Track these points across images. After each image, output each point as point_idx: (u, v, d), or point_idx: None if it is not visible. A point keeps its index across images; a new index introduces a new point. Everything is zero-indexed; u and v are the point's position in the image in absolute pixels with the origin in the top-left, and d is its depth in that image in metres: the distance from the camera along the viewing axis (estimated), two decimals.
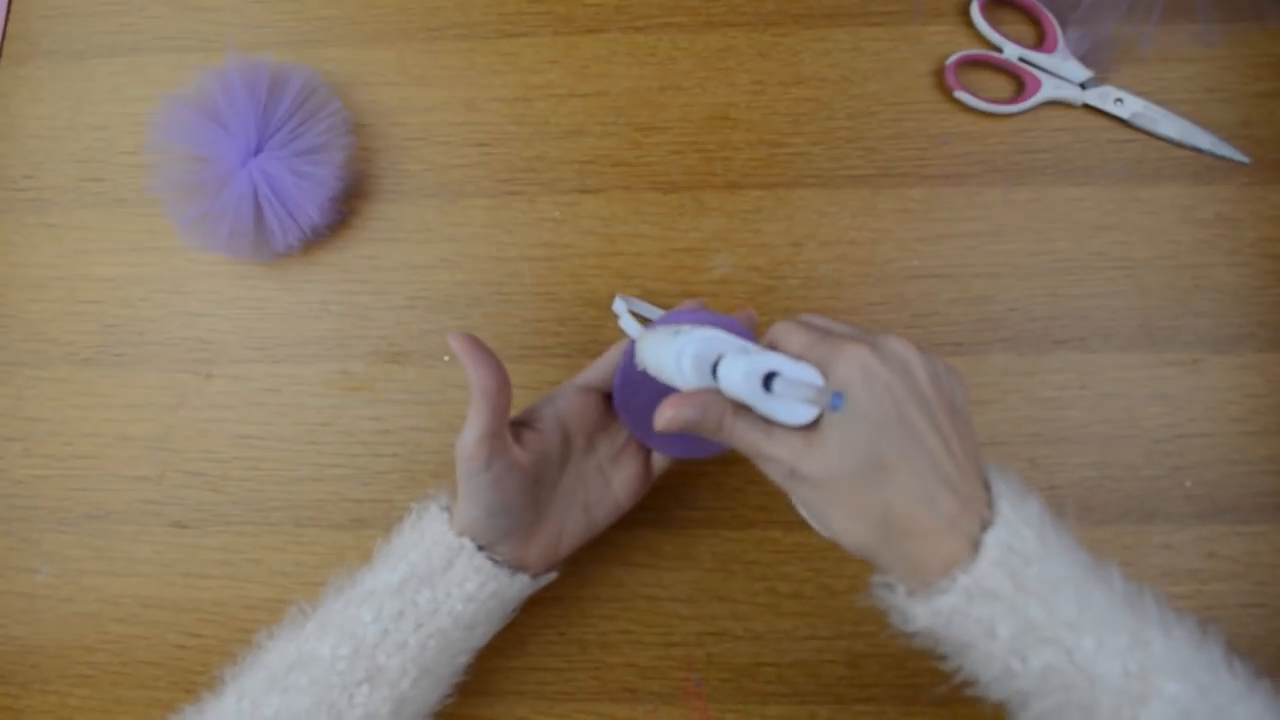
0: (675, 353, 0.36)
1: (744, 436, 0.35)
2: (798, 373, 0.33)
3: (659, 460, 0.45)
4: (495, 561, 0.40)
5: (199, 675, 0.50)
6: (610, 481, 0.44)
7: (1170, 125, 0.52)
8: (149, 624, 0.51)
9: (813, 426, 0.34)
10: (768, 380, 0.33)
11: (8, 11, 0.60)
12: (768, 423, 0.35)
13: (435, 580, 0.39)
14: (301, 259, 0.55)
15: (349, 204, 0.55)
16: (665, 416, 0.35)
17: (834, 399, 0.32)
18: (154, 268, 0.55)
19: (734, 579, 0.49)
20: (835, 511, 0.34)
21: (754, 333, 0.44)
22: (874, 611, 0.48)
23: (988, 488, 0.34)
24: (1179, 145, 0.53)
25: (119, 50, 0.59)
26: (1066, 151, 0.53)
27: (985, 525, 0.32)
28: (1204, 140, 0.52)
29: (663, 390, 0.43)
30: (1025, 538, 0.32)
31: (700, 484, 0.50)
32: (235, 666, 0.40)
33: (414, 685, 0.39)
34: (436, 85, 0.57)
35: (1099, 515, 0.49)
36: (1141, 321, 0.51)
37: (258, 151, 0.51)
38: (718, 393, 0.35)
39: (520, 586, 0.41)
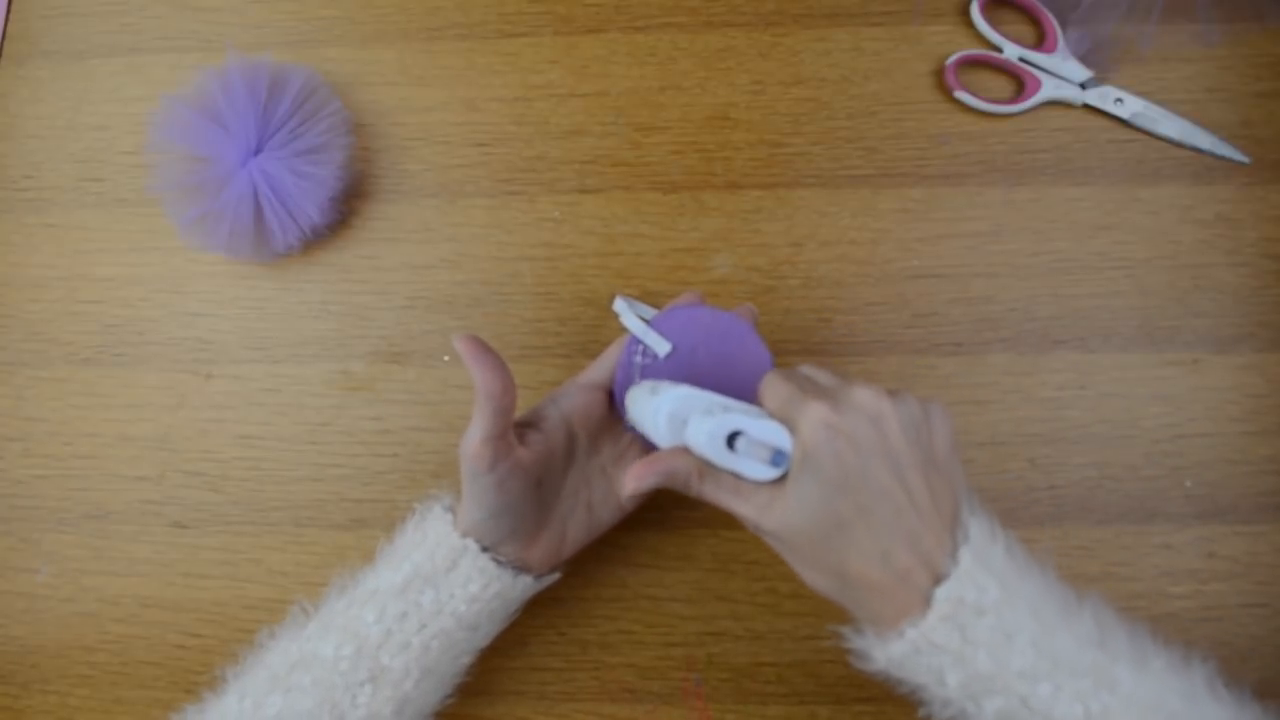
0: (652, 411, 0.37)
1: (713, 495, 0.37)
2: (761, 432, 0.34)
3: None
4: (499, 562, 0.40)
5: (199, 675, 0.50)
6: (614, 482, 0.44)
7: (1170, 125, 0.52)
8: (149, 624, 0.51)
9: (779, 482, 0.35)
10: (733, 439, 0.34)
11: (8, 11, 0.60)
12: (736, 479, 0.36)
13: (439, 581, 0.39)
14: (301, 259, 0.55)
15: (349, 204, 0.55)
16: (630, 484, 0.37)
17: (775, 458, 0.34)
18: (154, 268, 0.55)
19: (734, 579, 0.49)
20: (795, 561, 0.36)
21: (757, 328, 0.44)
22: None
23: (957, 533, 0.34)
24: (1179, 145, 0.53)
25: (119, 50, 0.59)
26: (1066, 151, 0.53)
27: (941, 579, 0.33)
28: (1204, 140, 0.52)
29: None
30: (985, 586, 0.32)
31: None
32: (236, 666, 0.40)
33: (417, 686, 0.39)
34: (436, 85, 0.57)
35: (1099, 515, 0.49)
36: (1141, 321, 0.51)
37: (258, 151, 0.51)
38: (687, 453, 0.37)
39: (524, 587, 0.41)
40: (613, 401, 0.44)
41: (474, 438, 0.39)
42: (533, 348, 0.53)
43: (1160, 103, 0.53)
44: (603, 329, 0.52)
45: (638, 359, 0.43)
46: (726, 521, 0.49)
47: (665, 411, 0.36)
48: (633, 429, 0.43)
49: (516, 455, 0.39)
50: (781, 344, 0.51)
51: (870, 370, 0.51)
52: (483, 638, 0.42)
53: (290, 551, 0.51)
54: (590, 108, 0.55)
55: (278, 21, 0.58)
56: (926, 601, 0.33)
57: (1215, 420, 0.49)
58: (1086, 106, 0.53)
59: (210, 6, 0.59)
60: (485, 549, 0.40)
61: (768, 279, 0.52)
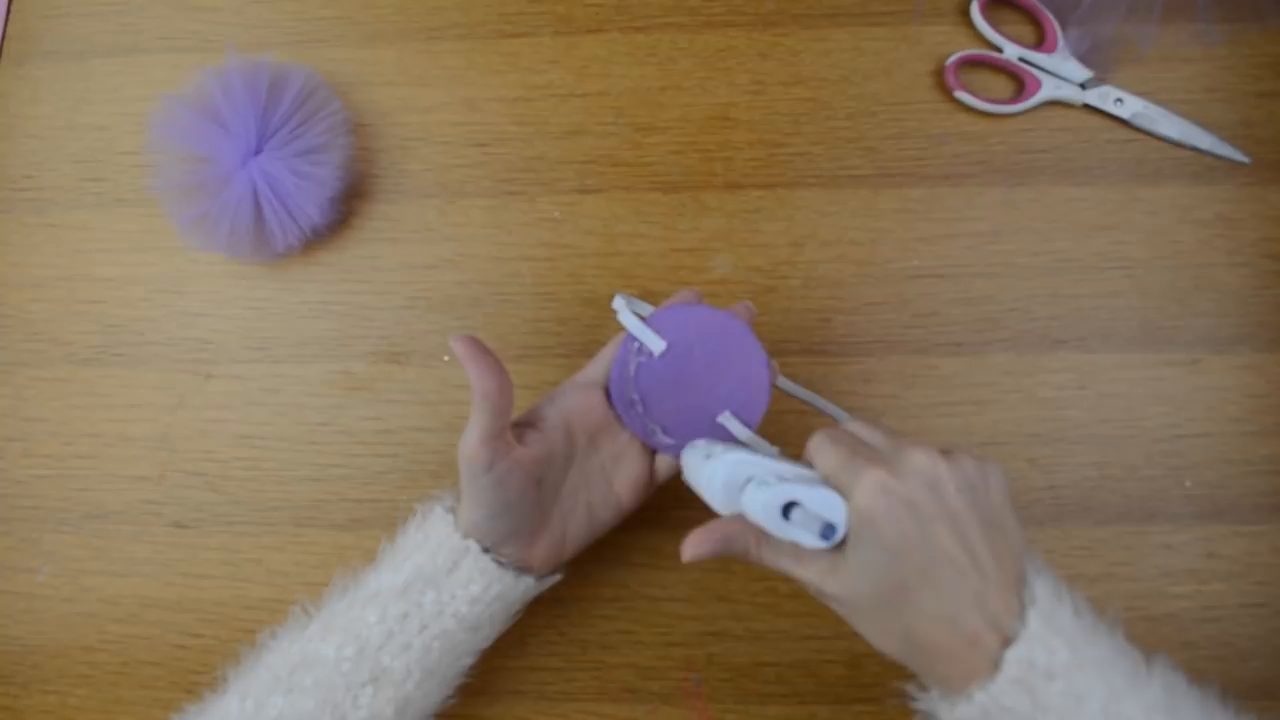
0: (707, 477, 0.37)
1: (773, 562, 0.36)
2: (816, 504, 0.34)
3: (664, 467, 0.44)
4: (500, 563, 0.40)
5: (199, 675, 0.50)
6: (613, 482, 0.44)
7: (1170, 125, 0.52)
8: (149, 624, 0.51)
9: (839, 548, 0.35)
10: (788, 509, 0.34)
11: (8, 11, 0.60)
12: (796, 546, 0.35)
13: (440, 582, 0.39)
14: (301, 259, 0.55)
15: (349, 204, 0.55)
16: (688, 551, 0.37)
17: (824, 531, 0.34)
18: (154, 268, 0.55)
19: (734, 579, 0.49)
20: (861, 626, 0.36)
21: (754, 326, 0.44)
22: None
23: (1023, 594, 0.33)
24: (1179, 145, 0.53)
25: (119, 50, 0.59)
26: (1066, 151, 0.53)
27: (1009, 640, 0.32)
28: (1204, 140, 0.52)
29: (657, 387, 0.43)
30: (1054, 648, 0.32)
31: None
32: (237, 666, 0.40)
33: (418, 687, 0.39)
34: (436, 85, 0.56)
35: (1099, 515, 0.49)
36: (1141, 321, 0.51)
37: (258, 151, 0.51)
38: (743, 519, 0.36)
39: (525, 588, 0.41)
40: (610, 399, 0.44)
41: (472, 438, 0.39)
42: (533, 348, 0.53)
43: (1160, 103, 0.53)
44: (602, 329, 0.52)
45: (634, 357, 0.43)
46: None
47: (720, 479, 0.36)
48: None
49: (515, 455, 0.39)
50: (781, 344, 0.51)
51: (870, 370, 0.51)
52: (484, 639, 0.42)
53: (290, 551, 0.51)
54: (590, 108, 0.55)
55: (278, 21, 0.58)
56: (995, 665, 0.32)
57: (1215, 420, 0.49)
58: (1086, 106, 0.53)
59: (210, 6, 0.59)
60: (486, 550, 0.40)
61: (768, 279, 0.52)
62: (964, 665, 0.33)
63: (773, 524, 0.34)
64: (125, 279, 0.55)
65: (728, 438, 0.43)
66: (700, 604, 0.49)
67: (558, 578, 0.44)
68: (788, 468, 0.36)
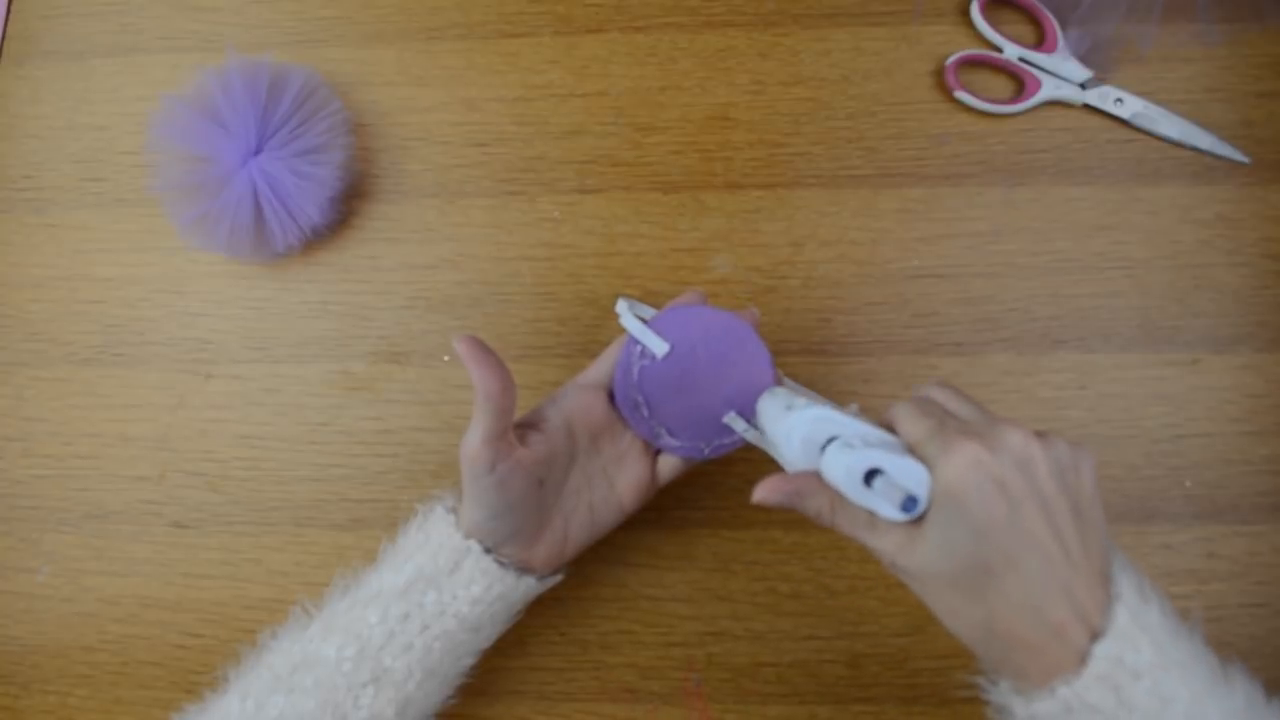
0: (786, 430, 0.36)
1: (847, 529, 0.35)
2: (901, 475, 0.33)
3: (666, 468, 0.44)
4: (502, 564, 0.40)
5: (199, 675, 0.50)
6: (614, 483, 0.44)
7: (1170, 125, 0.52)
8: (149, 624, 0.51)
9: (918, 520, 0.33)
10: (870, 476, 0.33)
11: (8, 11, 0.60)
12: (872, 514, 0.34)
13: (441, 582, 0.39)
14: (301, 259, 0.55)
15: (349, 204, 0.55)
16: (759, 494, 0.36)
17: (905, 504, 0.32)
18: (154, 268, 0.55)
19: (734, 579, 0.49)
20: (934, 604, 0.34)
21: (757, 329, 0.44)
22: (874, 611, 0.48)
23: (1109, 588, 0.32)
24: (1179, 145, 0.53)
25: (119, 50, 0.59)
26: (1066, 151, 0.53)
27: (1097, 635, 0.31)
28: (1204, 140, 0.52)
29: (662, 388, 0.43)
30: (1140, 647, 0.31)
31: (700, 484, 0.50)
32: (238, 666, 0.40)
33: (419, 687, 0.39)
34: (436, 85, 0.56)
35: None
36: (1141, 321, 0.51)
37: (258, 151, 0.51)
38: (823, 480, 0.35)
39: (526, 588, 0.41)
40: (613, 401, 0.44)
41: (474, 439, 0.38)
42: (533, 348, 0.53)
43: (1160, 103, 0.53)
44: (603, 329, 0.52)
45: (637, 360, 0.43)
46: (726, 521, 0.50)
47: (800, 435, 0.35)
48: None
49: (517, 455, 0.39)
50: (781, 344, 0.51)
51: (870, 370, 0.51)
52: (485, 639, 0.42)
53: (290, 551, 0.51)
54: (590, 108, 0.55)
55: (278, 21, 0.58)
56: (1081, 659, 0.31)
57: (1215, 420, 0.49)
58: (1086, 106, 0.53)
59: (210, 6, 0.59)
60: (488, 550, 0.40)
61: (768, 279, 0.52)
62: (1046, 658, 0.31)
63: (852, 490, 0.33)
64: (125, 279, 0.55)
65: (731, 438, 0.43)
66: (700, 604, 0.49)
67: (559, 578, 0.44)
68: (872, 431, 0.34)
